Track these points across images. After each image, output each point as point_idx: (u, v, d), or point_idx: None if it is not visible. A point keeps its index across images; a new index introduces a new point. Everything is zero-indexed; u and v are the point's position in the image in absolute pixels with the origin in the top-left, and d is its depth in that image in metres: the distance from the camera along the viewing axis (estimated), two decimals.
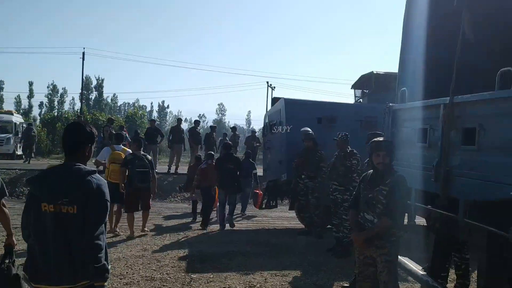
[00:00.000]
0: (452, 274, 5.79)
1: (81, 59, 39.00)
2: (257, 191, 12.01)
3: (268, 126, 10.91)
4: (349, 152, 7.94)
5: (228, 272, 6.62)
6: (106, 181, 2.92)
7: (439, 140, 4.29)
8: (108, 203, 2.84)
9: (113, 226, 8.88)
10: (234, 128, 19.07)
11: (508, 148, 3.44)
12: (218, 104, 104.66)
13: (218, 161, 10.15)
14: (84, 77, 50.88)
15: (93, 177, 2.77)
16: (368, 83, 11.16)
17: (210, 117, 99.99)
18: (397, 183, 4.14)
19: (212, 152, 11.37)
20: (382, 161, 4.20)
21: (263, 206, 11.13)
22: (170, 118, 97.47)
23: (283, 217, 12.57)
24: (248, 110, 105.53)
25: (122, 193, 8.63)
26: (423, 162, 4.60)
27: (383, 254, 4.14)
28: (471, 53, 4.61)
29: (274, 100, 10.94)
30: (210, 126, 19.71)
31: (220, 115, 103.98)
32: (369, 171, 4.45)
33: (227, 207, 10.12)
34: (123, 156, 8.82)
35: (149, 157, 9.12)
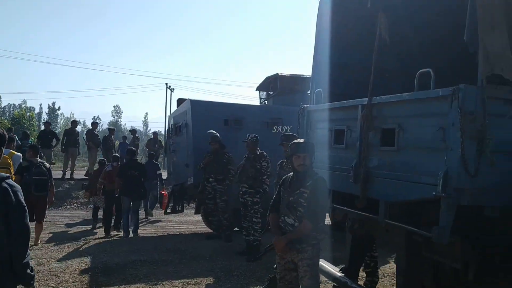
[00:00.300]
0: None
1: None
2: (162, 192, 11.84)
3: (173, 128, 10.55)
4: (258, 154, 7.87)
5: (136, 283, 6.22)
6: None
7: (357, 141, 4.29)
8: (26, 208, 2.82)
9: None
10: (134, 131, 18.39)
11: (426, 148, 3.50)
12: (114, 106, 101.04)
13: (122, 167, 9.74)
14: None
15: (8, 183, 2.75)
16: (273, 85, 11.19)
17: (106, 119, 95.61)
18: (317, 185, 4.07)
19: (118, 155, 11.06)
20: (303, 162, 4.11)
21: (168, 211, 10.73)
22: (62, 121, 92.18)
23: (188, 221, 12.26)
24: (145, 112, 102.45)
25: None
26: (340, 164, 4.58)
27: (304, 259, 4.05)
28: (383, 55, 4.68)
29: (179, 101, 10.59)
30: (108, 128, 18.71)
31: (116, 117, 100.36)
32: (289, 174, 4.34)
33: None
34: (9, 160, 7.85)
35: (47, 165, 8.53)
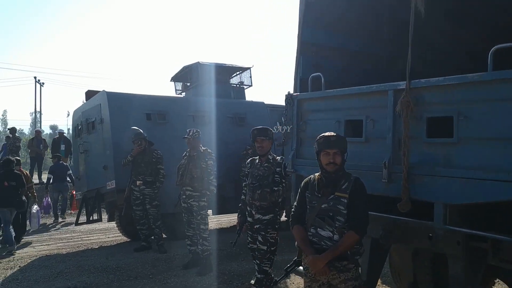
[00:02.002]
0: None
1: None
2: (73, 192, 11.67)
3: (83, 125, 9.05)
4: (203, 151, 6.90)
5: None
6: None
7: (389, 133, 3.62)
8: None
9: None
10: (13, 130, 15.95)
11: (502, 138, 2.94)
12: None
13: None
14: None
15: None
16: (192, 75, 10.16)
17: None
18: (357, 188, 3.33)
19: (19, 158, 10.09)
20: (333, 161, 3.34)
21: (82, 221, 9.23)
22: None
23: (94, 229, 10.82)
24: (3, 110, 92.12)
25: None
26: (359, 160, 3.88)
27: (348, 280, 3.28)
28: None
29: (89, 94, 9.10)
30: None
31: None
32: (312, 176, 3.53)
33: None
34: None
35: None
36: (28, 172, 10.78)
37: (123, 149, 8.00)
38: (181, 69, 10.43)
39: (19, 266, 7.21)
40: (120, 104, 8.34)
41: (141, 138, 7.74)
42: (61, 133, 16.06)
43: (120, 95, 8.60)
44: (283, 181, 5.21)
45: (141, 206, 7.92)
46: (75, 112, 9.70)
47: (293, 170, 4.69)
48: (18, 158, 10.50)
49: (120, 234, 9.58)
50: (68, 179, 12.57)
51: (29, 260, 7.63)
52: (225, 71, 10.43)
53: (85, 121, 8.95)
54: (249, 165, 5.43)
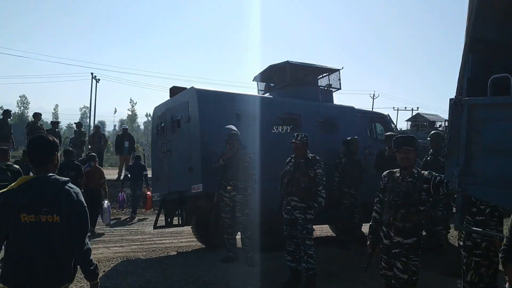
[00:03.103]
0: None
1: None
2: (148, 193, 12.08)
3: (167, 124, 8.51)
4: (311, 158, 6.23)
5: None
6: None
7: None
8: (87, 209, 2.98)
9: None
10: (79, 124, 15.76)
11: None
12: (20, 96, 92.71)
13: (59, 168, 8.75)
14: None
15: (70, 186, 2.94)
16: (280, 75, 9.51)
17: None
18: None
19: (94, 154, 10.33)
20: None
21: (157, 225, 8.70)
22: None
23: (164, 232, 10.33)
24: (55, 104, 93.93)
25: None
26: None
27: None
28: None
29: (174, 90, 8.56)
30: (52, 122, 16.30)
31: (22, 108, 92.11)
32: None
33: None
34: None
35: (16, 167, 7.37)
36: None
37: (212, 150, 7.44)
38: (267, 68, 9.80)
39: (104, 271, 6.71)
40: (209, 102, 7.76)
41: (236, 140, 7.15)
42: (125, 129, 15.79)
43: (210, 93, 8.04)
44: (430, 199, 4.47)
45: (230, 213, 7.32)
46: (157, 109, 9.18)
47: (461, 189, 3.92)
48: (93, 154, 10.40)
49: (195, 239, 9.05)
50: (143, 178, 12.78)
51: (112, 264, 7.14)
52: (313, 72, 9.75)
53: (169, 119, 8.41)
54: (385, 179, 4.69)
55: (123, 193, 12.84)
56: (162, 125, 8.70)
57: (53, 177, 2.93)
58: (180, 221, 8.64)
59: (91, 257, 3.00)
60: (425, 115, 37.59)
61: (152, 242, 9.49)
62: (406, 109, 52.76)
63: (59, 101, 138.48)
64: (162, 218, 8.79)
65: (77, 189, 2.99)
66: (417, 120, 36.35)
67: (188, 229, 9.66)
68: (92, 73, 39.59)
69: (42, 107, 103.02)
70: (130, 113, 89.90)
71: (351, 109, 9.53)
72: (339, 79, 9.87)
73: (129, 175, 12.72)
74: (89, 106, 43.36)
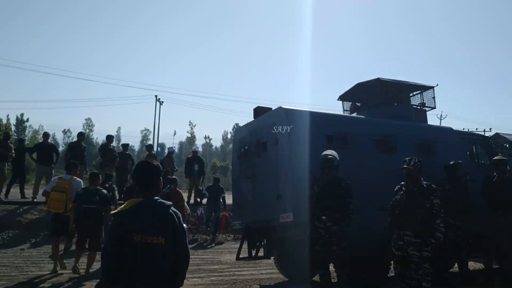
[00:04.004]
0: None
1: None
2: (225, 214, 12.96)
3: (253, 146, 7.92)
4: (426, 187, 5.44)
5: None
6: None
7: None
8: (186, 231, 3.14)
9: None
10: (150, 147, 15.62)
11: None
12: (86, 119, 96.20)
13: (128, 190, 10.12)
14: None
15: (173, 210, 3.08)
16: (369, 94, 8.78)
17: (76, 133, 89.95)
18: None
19: (176, 177, 10.34)
20: None
21: (239, 256, 8.08)
22: (30, 133, 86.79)
23: (242, 263, 9.66)
24: (118, 126, 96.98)
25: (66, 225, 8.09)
26: None
27: None
28: None
29: (259, 110, 8.01)
30: (107, 136, 15.07)
31: (87, 130, 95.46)
32: None
33: None
34: (68, 185, 8.09)
35: (104, 192, 8.10)
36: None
37: (303, 176, 6.77)
38: (355, 86, 9.08)
39: None
40: (299, 123, 7.13)
41: (333, 165, 6.45)
42: (195, 151, 15.38)
43: (300, 113, 7.40)
44: None
45: (324, 246, 6.58)
46: (238, 130, 8.67)
47: None
48: (174, 177, 10.35)
49: (274, 270, 8.39)
50: (221, 200, 13.13)
51: None
52: (406, 89, 8.96)
53: (254, 141, 7.83)
54: None
55: (201, 208, 13.25)
56: (246, 148, 8.12)
57: (159, 200, 3.09)
58: (265, 253, 7.97)
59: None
60: (505, 135, 35.22)
61: (231, 273, 8.88)
62: (477, 130, 49.97)
63: (121, 124, 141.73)
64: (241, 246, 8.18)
65: (179, 214, 3.12)
66: (497, 141, 34.11)
67: (266, 259, 9.01)
68: (156, 96, 40.26)
69: (106, 129, 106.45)
70: (189, 135, 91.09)
71: (449, 130, 8.64)
72: (433, 97, 9.02)
73: (207, 194, 13.14)
74: (151, 128, 43.76)
